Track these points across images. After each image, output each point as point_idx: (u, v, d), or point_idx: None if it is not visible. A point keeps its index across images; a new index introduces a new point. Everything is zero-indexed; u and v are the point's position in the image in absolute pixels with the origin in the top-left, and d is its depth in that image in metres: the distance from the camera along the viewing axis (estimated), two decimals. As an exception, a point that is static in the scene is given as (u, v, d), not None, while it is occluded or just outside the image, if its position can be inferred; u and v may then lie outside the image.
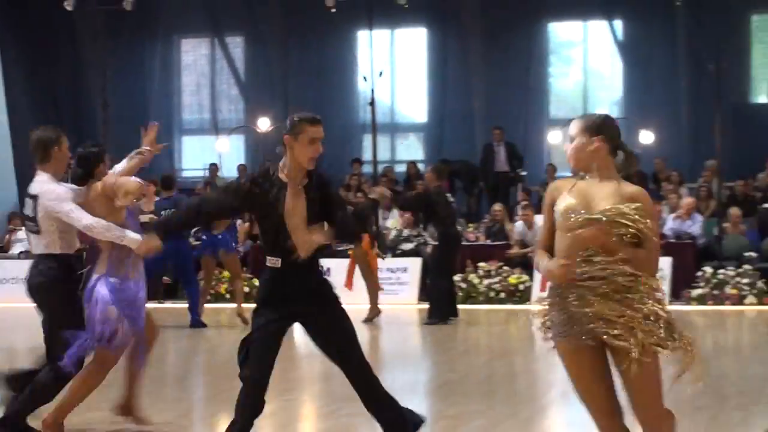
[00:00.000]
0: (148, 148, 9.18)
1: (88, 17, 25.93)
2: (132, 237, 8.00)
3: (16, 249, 23.44)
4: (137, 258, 8.25)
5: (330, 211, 7.35)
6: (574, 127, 5.73)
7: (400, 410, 7.34)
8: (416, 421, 7.38)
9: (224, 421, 8.51)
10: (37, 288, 8.28)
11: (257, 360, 7.10)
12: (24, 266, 21.93)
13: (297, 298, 7.18)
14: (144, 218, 18.91)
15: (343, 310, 7.33)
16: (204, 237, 17.49)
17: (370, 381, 7.30)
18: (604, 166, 5.65)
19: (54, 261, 8.28)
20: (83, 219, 8.15)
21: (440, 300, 16.94)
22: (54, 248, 8.30)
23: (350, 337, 7.32)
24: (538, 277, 19.66)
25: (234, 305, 18.00)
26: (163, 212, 17.22)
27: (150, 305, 19.29)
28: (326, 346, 7.35)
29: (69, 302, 8.10)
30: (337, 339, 7.30)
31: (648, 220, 5.46)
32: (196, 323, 17.12)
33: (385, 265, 18.43)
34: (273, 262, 7.23)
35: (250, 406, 7.14)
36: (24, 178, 27.77)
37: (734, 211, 20.95)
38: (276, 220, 7.17)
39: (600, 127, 5.70)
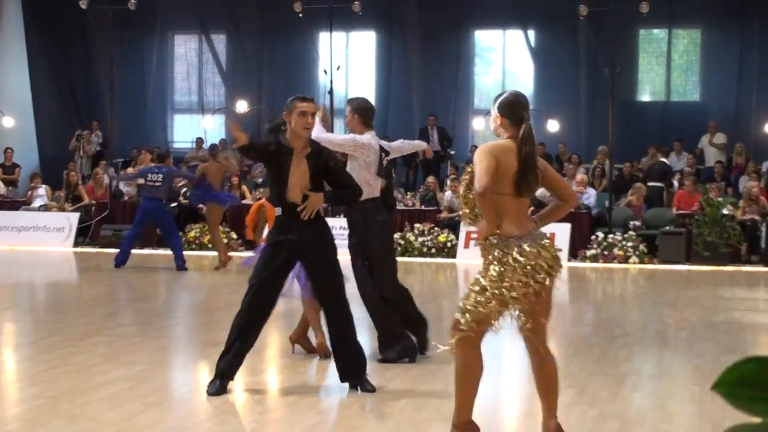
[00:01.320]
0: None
1: (99, 15, 25.67)
2: None
3: (36, 203, 23.22)
4: None
5: (330, 177, 7.48)
6: (492, 105, 5.98)
7: (357, 355, 7.52)
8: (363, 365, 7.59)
9: (206, 342, 8.37)
10: None
11: (264, 290, 7.33)
12: (42, 217, 21.95)
13: (296, 244, 7.28)
14: (140, 181, 18.88)
15: (335, 261, 7.43)
16: (200, 192, 17.49)
17: (344, 327, 7.47)
18: (508, 134, 5.85)
19: None
20: None
21: None
22: None
23: (336, 286, 7.43)
24: (462, 236, 19.71)
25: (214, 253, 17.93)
26: (151, 175, 17.22)
27: (145, 251, 19.32)
28: (317, 289, 7.63)
29: None
30: (324, 286, 7.47)
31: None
32: (181, 267, 17.04)
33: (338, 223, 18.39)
34: (279, 212, 7.45)
35: (252, 330, 7.36)
36: (43, 146, 27.57)
37: (638, 189, 21.07)
38: (282, 179, 7.33)
39: (500, 106, 5.90)
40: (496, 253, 5.65)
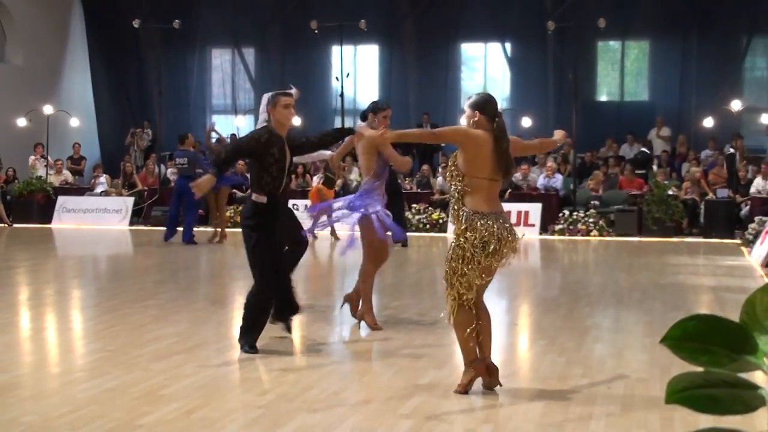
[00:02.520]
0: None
1: (149, 32, 25.70)
2: None
3: (98, 189, 23.21)
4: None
5: (299, 147, 7.31)
6: (466, 105, 5.95)
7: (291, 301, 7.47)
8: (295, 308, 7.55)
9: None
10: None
11: (271, 263, 7.06)
12: (103, 201, 21.94)
13: (275, 224, 7.05)
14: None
15: (302, 237, 8.01)
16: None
17: (285, 285, 7.41)
18: (483, 128, 5.83)
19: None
20: None
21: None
22: None
23: (294, 257, 8.01)
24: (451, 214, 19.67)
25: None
26: (178, 159, 17.28)
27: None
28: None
29: None
30: (286, 255, 7.72)
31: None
32: (189, 241, 16.98)
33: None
34: (260, 198, 6.97)
35: (265, 310, 7.19)
36: (104, 141, 27.56)
37: (596, 175, 21.04)
38: (278, 166, 6.98)
39: (478, 104, 5.87)
40: (461, 225, 5.71)
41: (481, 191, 5.74)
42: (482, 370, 5.87)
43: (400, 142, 6.60)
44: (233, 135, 26.08)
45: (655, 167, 21.75)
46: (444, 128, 6.30)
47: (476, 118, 5.83)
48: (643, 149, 22.61)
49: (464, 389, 5.84)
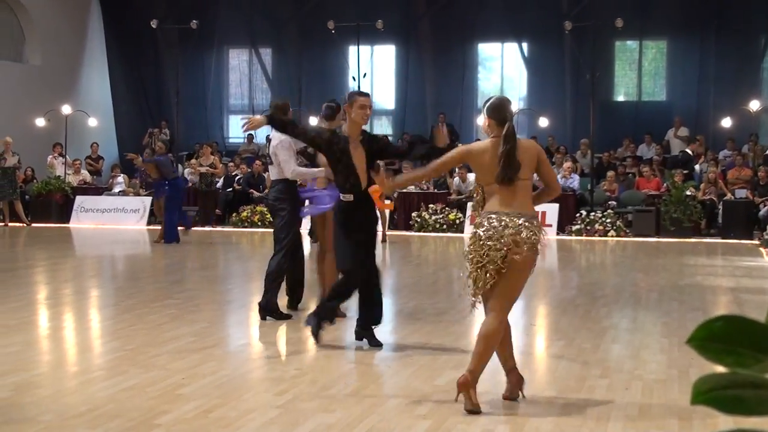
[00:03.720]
0: None
1: (166, 33, 25.77)
2: None
3: (116, 189, 23.29)
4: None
5: (386, 153, 7.40)
6: (482, 108, 5.97)
7: (378, 306, 7.44)
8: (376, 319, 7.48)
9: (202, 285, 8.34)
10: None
11: (353, 258, 7.08)
12: (121, 201, 22.00)
13: (362, 223, 7.12)
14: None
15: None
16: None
17: (373, 283, 7.37)
18: (494, 133, 5.75)
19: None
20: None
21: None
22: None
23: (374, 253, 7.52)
24: (468, 214, 19.64)
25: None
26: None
27: (206, 229, 19.25)
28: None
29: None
30: (373, 253, 7.40)
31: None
32: (171, 239, 16.94)
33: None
34: (346, 197, 7.11)
35: (351, 289, 7.27)
36: (121, 141, 27.67)
37: (610, 176, 20.98)
38: (349, 165, 7.05)
39: (487, 110, 5.83)
40: (475, 225, 5.68)
41: (496, 195, 5.70)
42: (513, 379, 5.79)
43: (406, 184, 6.74)
44: (249, 135, 26.14)
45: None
46: (443, 157, 6.06)
47: (488, 123, 5.84)
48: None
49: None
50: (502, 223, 5.53)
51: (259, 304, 8.60)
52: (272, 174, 8.93)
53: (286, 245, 8.56)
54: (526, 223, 5.56)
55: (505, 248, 5.49)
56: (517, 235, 5.50)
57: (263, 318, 8.52)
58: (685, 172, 20.91)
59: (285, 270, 8.70)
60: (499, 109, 5.79)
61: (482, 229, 5.57)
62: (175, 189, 17.14)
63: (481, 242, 5.54)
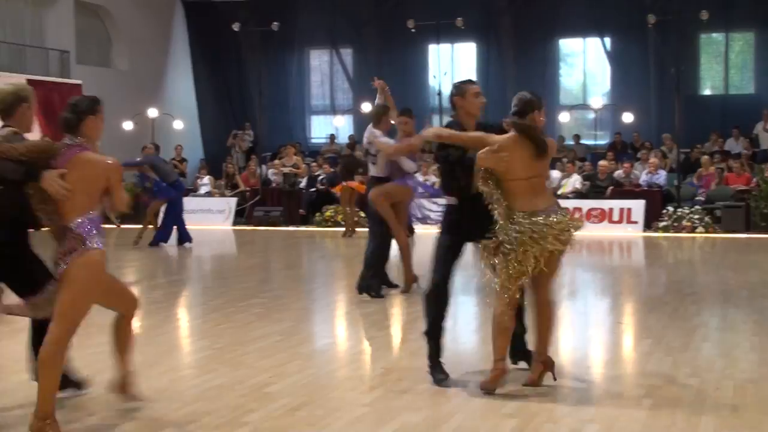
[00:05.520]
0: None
1: (249, 35, 26.07)
2: None
3: (202, 190, 23.62)
4: None
5: None
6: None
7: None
8: None
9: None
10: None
11: (441, 268, 6.12)
12: (207, 202, 22.31)
13: (470, 226, 6.09)
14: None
15: None
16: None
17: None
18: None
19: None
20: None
21: None
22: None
23: None
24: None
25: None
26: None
27: (291, 228, 19.35)
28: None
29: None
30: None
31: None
32: (154, 243, 16.78)
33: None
34: (449, 199, 6.26)
35: (438, 301, 6.19)
36: (206, 143, 28.07)
37: (698, 173, 20.58)
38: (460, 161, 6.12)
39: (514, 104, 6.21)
40: (507, 233, 5.77)
41: (518, 191, 5.87)
42: (545, 365, 6.05)
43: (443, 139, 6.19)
44: (331, 135, 26.32)
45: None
46: (489, 135, 6.10)
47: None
48: None
49: (534, 383, 6.00)
50: (538, 222, 5.75)
51: (359, 285, 9.66)
52: (372, 171, 9.90)
53: (380, 236, 9.68)
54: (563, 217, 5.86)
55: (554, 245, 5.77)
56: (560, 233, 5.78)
57: (361, 294, 9.62)
58: None
59: (381, 258, 9.77)
60: (524, 103, 6.18)
61: (517, 233, 5.74)
62: (180, 193, 17.04)
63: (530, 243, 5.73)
